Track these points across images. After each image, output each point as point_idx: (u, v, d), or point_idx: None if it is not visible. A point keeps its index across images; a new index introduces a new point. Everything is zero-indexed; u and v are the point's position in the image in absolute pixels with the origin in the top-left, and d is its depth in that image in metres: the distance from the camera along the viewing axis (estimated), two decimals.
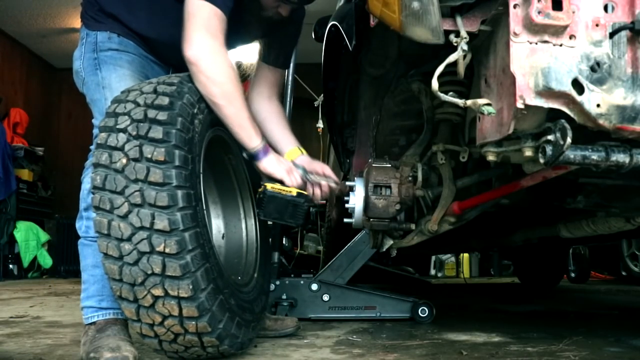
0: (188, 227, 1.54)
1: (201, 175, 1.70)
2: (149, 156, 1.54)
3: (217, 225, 2.15)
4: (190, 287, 1.54)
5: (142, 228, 1.52)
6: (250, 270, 2.06)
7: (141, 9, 1.94)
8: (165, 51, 1.98)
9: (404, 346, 1.98)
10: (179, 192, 1.53)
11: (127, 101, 1.64)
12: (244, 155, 1.98)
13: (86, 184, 1.81)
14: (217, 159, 2.06)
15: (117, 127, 1.59)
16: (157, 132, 1.56)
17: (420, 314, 2.65)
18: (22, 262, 6.44)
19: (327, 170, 2.10)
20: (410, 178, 1.98)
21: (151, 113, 1.59)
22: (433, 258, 6.94)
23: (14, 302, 3.64)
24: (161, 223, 1.51)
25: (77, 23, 7.36)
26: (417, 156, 2.04)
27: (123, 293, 1.56)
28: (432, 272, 7.10)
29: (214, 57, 1.79)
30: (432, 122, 2.06)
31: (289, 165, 1.99)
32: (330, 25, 2.22)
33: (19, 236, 6.41)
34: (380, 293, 2.77)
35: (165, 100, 1.62)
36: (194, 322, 1.57)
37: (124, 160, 1.55)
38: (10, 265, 6.46)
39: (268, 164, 1.92)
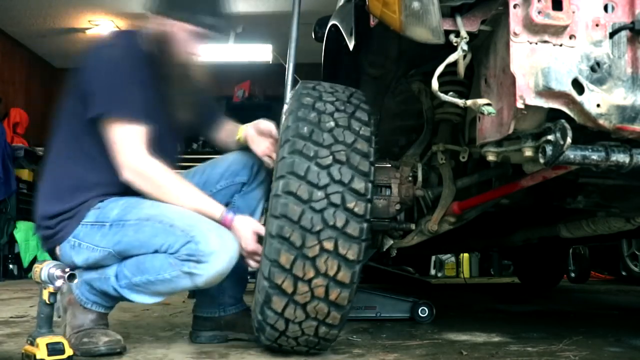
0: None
1: None
2: (357, 129, 1.66)
3: None
4: (357, 252, 1.58)
5: (340, 182, 1.58)
6: None
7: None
8: None
9: (404, 346, 1.98)
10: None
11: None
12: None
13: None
14: None
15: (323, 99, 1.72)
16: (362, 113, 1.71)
17: (420, 314, 2.64)
18: (22, 262, 6.43)
19: (263, 128, 2.05)
20: (410, 178, 1.98)
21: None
22: (433, 258, 6.93)
23: (14, 302, 3.64)
24: (359, 184, 1.58)
25: (77, 23, 7.41)
26: (417, 156, 2.04)
27: (292, 236, 1.56)
28: (432, 272, 7.10)
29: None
30: (432, 122, 2.06)
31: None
32: (330, 25, 2.22)
33: (19, 236, 6.40)
34: (380, 293, 2.77)
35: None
36: (338, 290, 1.59)
37: (332, 123, 1.65)
38: (10, 265, 6.45)
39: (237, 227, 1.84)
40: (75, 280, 1.63)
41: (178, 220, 1.77)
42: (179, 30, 1.90)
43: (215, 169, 2.09)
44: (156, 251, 1.77)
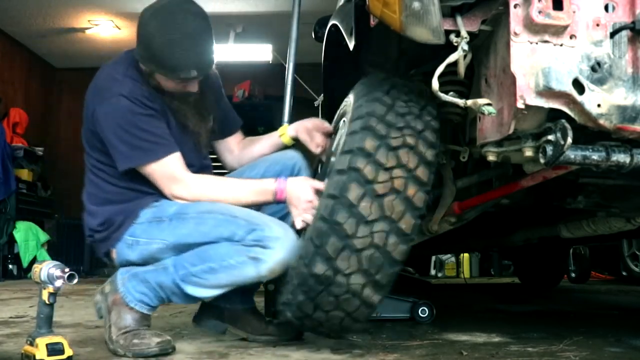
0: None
1: None
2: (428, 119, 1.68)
3: None
4: (423, 198, 1.59)
5: (405, 167, 1.61)
6: None
7: None
8: None
9: (404, 346, 1.98)
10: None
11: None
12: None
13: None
14: None
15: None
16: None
17: (420, 314, 2.64)
18: (22, 262, 6.43)
19: (317, 122, 2.14)
20: None
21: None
22: (433, 258, 6.93)
23: (14, 302, 3.63)
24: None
25: (77, 23, 7.41)
26: None
27: (366, 169, 1.58)
28: (432, 272, 7.09)
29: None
30: None
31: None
32: (331, 25, 2.22)
33: (18, 236, 6.40)
34: None
35: None
36: (396, 240, 1.59)
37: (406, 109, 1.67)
38: (10, 266, 6.45)
39: (292, 185, 1.87)
40: (75, 280, 1.62)
41: (240, 212, 1.82)
42: (161, 78, 1.90)
43: (256, 169, 2.09)
44: (216, 241, 1.80)
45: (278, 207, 2.02)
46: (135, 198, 1.93)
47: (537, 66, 1.34)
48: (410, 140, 1.61)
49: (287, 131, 2.16)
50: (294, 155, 2.10)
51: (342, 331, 1.79)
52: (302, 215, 1.80)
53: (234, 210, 1.83)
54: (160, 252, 1.87)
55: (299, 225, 1.81)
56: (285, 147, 2.17)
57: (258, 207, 1.97)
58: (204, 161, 2.09)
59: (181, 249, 1.85)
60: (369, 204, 1.57)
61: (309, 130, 2.12)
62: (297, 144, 2.17)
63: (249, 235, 1.76)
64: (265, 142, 2.20)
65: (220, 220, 1.80)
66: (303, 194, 1.81)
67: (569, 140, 1.33)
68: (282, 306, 1.76)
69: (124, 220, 1.91)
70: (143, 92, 1.88)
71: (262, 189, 1.88)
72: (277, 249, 1.74)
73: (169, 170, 1.88)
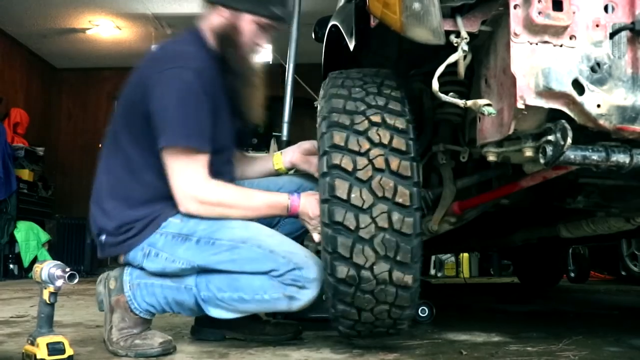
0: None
1: None
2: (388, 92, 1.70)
3: None
4: (409, 166, 1.60)
5: (380, 144, 1.61)
6: None
7: None
8: None
9: (404, 346, 1.98)
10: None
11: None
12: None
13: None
14: None
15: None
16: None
17: (420, 314, 2.64)
18: (23, 262, 6.43)
19: (308, 147, 2.14)
20: None
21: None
22: (433, 258, 6.93)
23: (14, 302, 3.63)
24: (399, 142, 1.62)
25: (77, 23, 7.42)
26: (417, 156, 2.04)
27: (344, 162, 1.60)
28: (432, 272, 7.10)
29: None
30: (433, 122, 2.06)
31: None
32: (331, 26, 2.22)
33: (19, 236, 6.40)
34: None
35: None
36: (399, 216, 1.58)
37: (363, 93, 1.70)
38: (11, 265, 6.45)
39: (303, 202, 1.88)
40: (76, 280, 1.63)
41: (277, 247, 1.80)
42: (246, 22, 1.90)
43: (270, 188, 2.07)
44: (251, 273, 1.79)
45: (293, 228, 2.06)
46: (159, 200, 1.87)
47: (537, 67, 1.34)
48: (375, 118, 1.63)
49: (283, 163, 2.16)
50: (305, 179, 2.12)
51: (396, 324, 1.76)
52: (317, 228, 1.83)
53: (269, 241, 1.81)
54: (182, 271, 1.84)
55: (316, 239, 1.84)
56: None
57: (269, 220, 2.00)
58: (231, 156, 2.06)
59: (206, 271, 1.83)
60: (359, 193, 1.58)
61: (305, 158, 2.14)
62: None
63: (289, 274, 1.77)
64: (260, 168, 2.20)
65: (258, 254, 1.78)
66: (311, 209, 1.84)
67: (569, 140, 1.33)
68: (333, 323, 1.78)
69: (145, 228, 1.85)
70: (208, 64, 1.86)
71: (275, 202, 1.87)
72: (312, 289, 1.78)
73: (196, 166, 1.82)
